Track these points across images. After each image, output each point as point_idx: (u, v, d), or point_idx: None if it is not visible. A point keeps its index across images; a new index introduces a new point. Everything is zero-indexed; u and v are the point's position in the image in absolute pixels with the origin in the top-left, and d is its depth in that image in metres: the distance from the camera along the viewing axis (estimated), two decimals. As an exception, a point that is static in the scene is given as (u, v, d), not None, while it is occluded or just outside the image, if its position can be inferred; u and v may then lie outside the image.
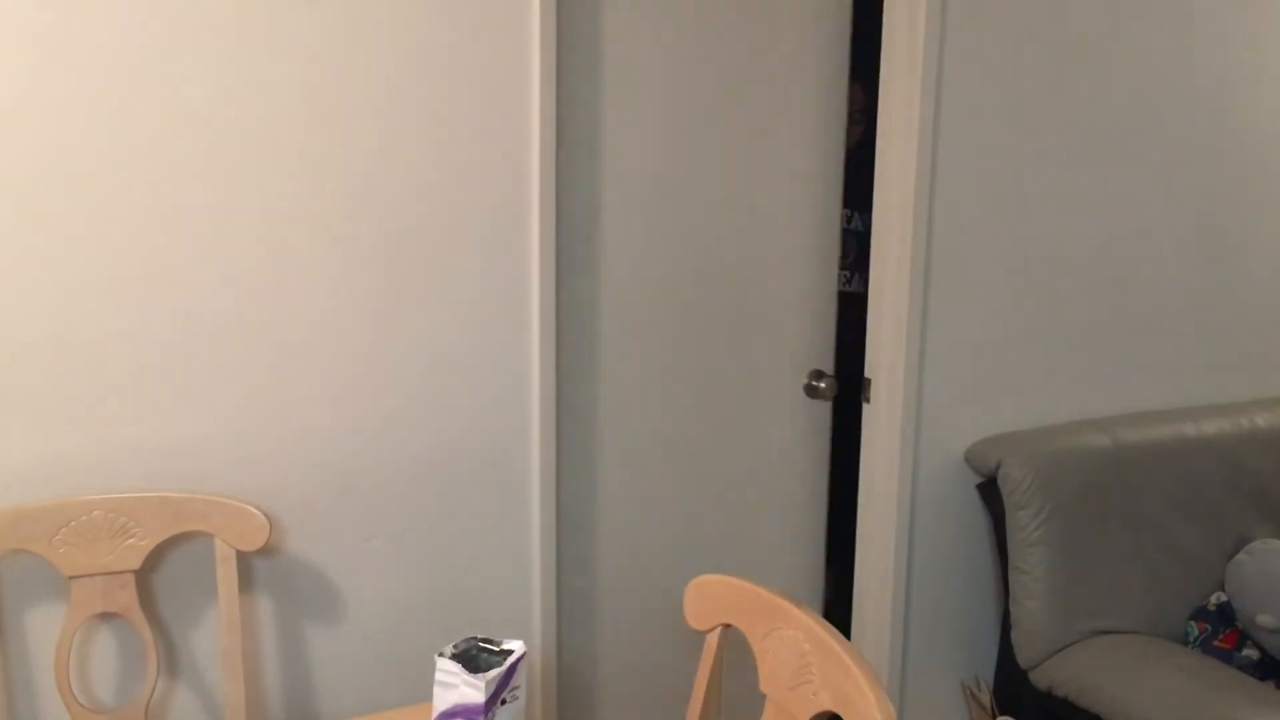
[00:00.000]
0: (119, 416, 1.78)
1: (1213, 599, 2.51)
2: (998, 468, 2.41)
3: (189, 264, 1.79)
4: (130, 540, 1.78)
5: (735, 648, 2.45)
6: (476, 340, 2.03)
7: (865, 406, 2.47)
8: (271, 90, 1.80)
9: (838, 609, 3.17)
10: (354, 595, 2.01)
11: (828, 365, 2.53)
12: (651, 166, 2.25)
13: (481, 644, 1.26)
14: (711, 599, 1.54)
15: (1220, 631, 2.45)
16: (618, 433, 2.28)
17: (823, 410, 2.54)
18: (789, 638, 1.40)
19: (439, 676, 1.23)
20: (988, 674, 2.61)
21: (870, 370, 2.46)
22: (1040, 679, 2.37)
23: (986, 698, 2.50)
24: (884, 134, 2.38)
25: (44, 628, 1.79)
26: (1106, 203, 2.61)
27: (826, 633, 1.34)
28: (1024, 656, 2.39)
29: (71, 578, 1.74)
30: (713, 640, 1.54)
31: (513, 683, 1.23)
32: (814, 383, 2.48)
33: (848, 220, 3.17)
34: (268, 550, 1.91)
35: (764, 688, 1.44)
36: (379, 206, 1.92)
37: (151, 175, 1.75)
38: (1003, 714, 2.45)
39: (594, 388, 2.24)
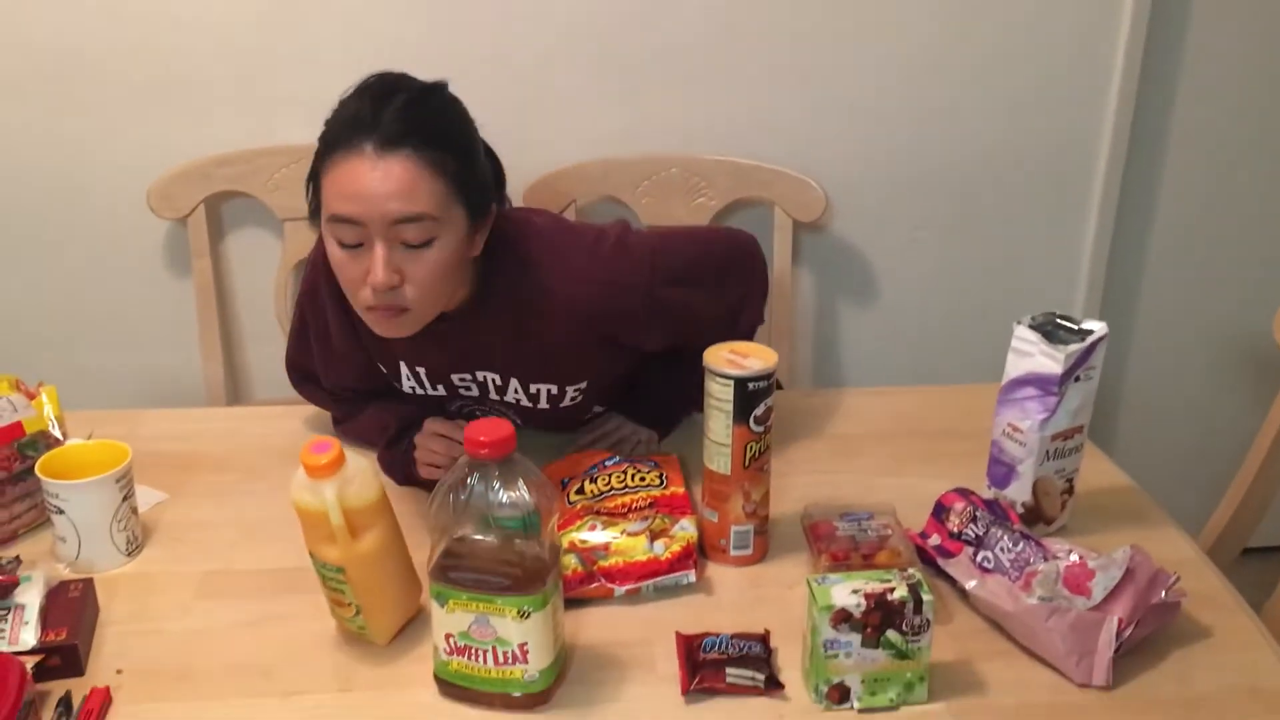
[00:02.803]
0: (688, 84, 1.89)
1: None
2: None
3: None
4: (700, 199, 1.92)
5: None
6: (1053, 33, 1.90)
7: None
8: None
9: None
10: (891, 280, 2.06)
11: None
12: None
13: (1059, 319, 1.25)
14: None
15: None
16: (1198, 141, 2.04)
17: None
18: None
19: (1015, 344, 1.23)
20: None
21: None
22: None
23: None
24: None
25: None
26: None
27: None
28: None
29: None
30: (1303, 364, 1.42)
31: (1090, 362, 1.21)
32: None
33: None
34: (818, 226, 1.99)
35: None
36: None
37: None
38: None
39: (1175, 84, 2.00)
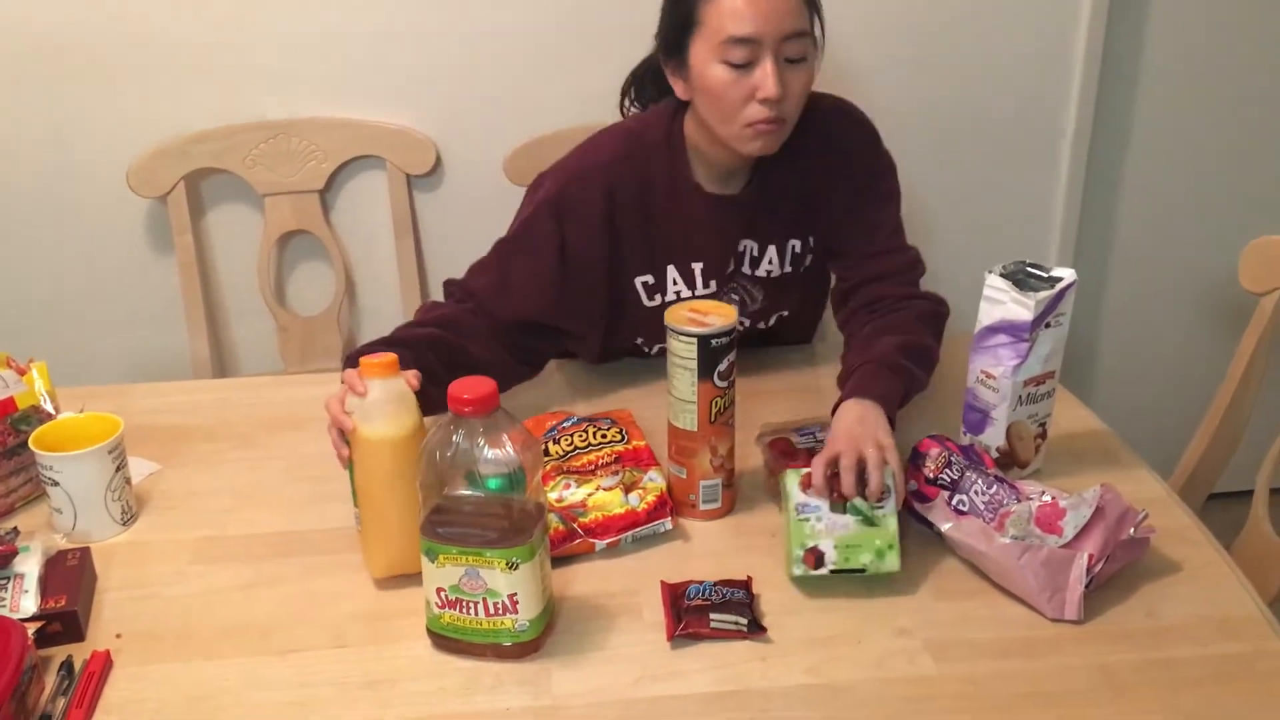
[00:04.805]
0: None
1: None
2: None
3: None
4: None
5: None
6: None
7: None
8: None
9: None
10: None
11: None
12: None
13: (1029, 267, 1.27)
14: (1277, 259, 1.43)
15: None
16: (1167, 89, 2.06)
17: None
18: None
19: (987, 292, 1.25)
20: None
21: None
22: None
23: None
24: None
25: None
26: None
27: None
28: None
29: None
30: (1267, 305, 1.45)
31: (1059, 308, 1.24)
32: None
33: None
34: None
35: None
36: None
37: None
38: None
39: (1143, 31, 2.02)
